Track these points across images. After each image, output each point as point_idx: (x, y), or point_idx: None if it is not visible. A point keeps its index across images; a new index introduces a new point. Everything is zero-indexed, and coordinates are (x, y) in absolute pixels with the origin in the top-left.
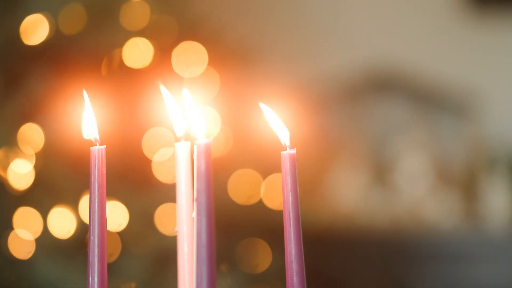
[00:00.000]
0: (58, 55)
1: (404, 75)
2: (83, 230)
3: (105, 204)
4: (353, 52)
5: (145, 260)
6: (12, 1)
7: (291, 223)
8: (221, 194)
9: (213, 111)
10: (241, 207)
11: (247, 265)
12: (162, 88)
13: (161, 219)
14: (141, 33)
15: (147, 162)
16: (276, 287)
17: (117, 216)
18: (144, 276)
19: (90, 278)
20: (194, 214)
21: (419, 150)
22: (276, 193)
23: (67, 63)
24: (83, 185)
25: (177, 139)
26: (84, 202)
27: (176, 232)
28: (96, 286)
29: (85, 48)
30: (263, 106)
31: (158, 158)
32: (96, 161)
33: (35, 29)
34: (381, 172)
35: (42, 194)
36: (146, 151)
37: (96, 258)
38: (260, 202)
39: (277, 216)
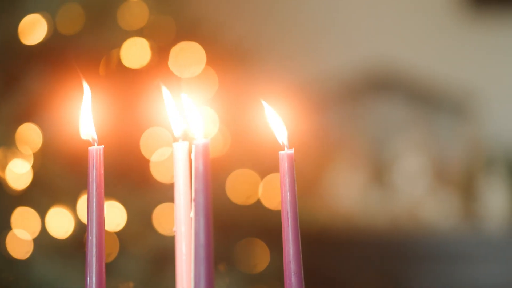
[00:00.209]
0: (56, 55)
1: (402, 75)
2: (81, 230)
3: (103, 204)
4: (352, 52)
5: (143, 260)
6: (10, 1)
7: (289, 223)
8: (219, 194)
9: (211, 111)
10: (239, 207)
11: (245, 265)
12: (163, 87)
13: (159, 219)
14: (139, 33)
15: (145, 162)
16: (274, 287)
17: (115, 216)
18: (142, 276)
19: (88, 278)
20: (192, 214)
21: (418, 150)
22: (274, 193)
23: (65, 63)
24: (81, 185)
25: (175, 139)
26: (82, 202)
27: (174, 232)
28: (94, 286)
29: (83, 48)
30: (265, 103)
31: (156, 158)
32: (94, 161)
33: (33, 29)
34: (379, 172)
35: (40, 194)
36: (144, 151)
37: (94, 258)
38: (258, 202)
39: (275, 216)
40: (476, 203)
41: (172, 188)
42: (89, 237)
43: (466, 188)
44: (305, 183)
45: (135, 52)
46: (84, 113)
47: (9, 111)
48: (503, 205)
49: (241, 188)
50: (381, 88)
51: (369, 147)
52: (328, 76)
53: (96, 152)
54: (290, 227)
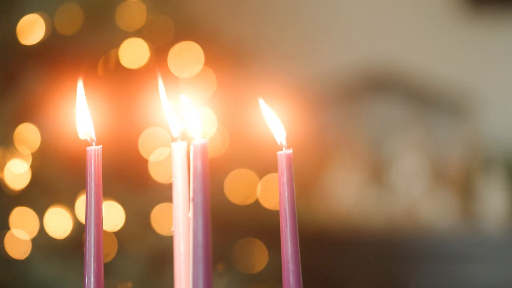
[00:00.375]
0: (54, 55)
1: (401, 75)
2: (79, 230)
3: (102, 204)
4: (350, 52)
5: (141, 260)
6: (8, 1)
7: (288, 223)
8: (218, 194)
9: (209, 111)
10: (237, 207)
11: (243, 265)
12: (161, 86)
13: (158, 219)
14: (137, 33)
15: (144, 162)
16: (273, 287)
17: (114, 216)
18: (141, 276)
19: (86, 278)
20: (190, 214)
21: (415, 150)
22: (273, 193)
23: (63, 63)
24: (80, 185)
25: (174, 139)
26: (80, 202)
27: (173, 232)
28: (92, 286)
29: (82, 48)
30: (262, 103)
31: (154, 158)
32: (93, 161)
33: (31, 29)
34: (377, 172)
35: (39, 194)
36: (143, 151)
37: (92, 258)
38: (257, 202)
39: (273, 216)
40: (474, 203)
41: (171, 188)
42: (88, 237)
43: (464, 188)
44: (303, 183)
45: (133, 52)
46: (80, 113)
47: (8, 111)
48: (501, 205)
49: (240, 188)
50: (379, 88)
51: (367, 147)
52: (326, 76)
53: (94, 152)
54: (288, 227)
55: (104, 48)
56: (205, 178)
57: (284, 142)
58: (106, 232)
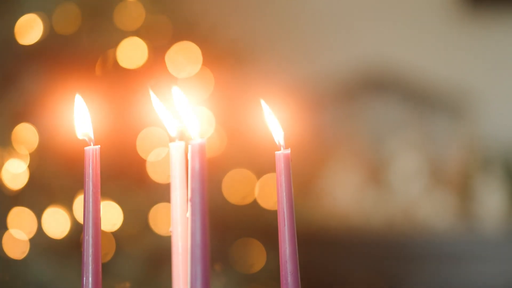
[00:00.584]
0: (52, 55)
1: (398, 75)
2: (77, 230)
3: (99, 204)
4: (348, 52)
5: (139, 260)
6: (6, 1)
7: (286, 223)
8: (216, 194)
9: (207, 111)
10: (235, 207)
11: (241, 265)
12: (151, 92)
13: (156, 219)
14: (135, 33)
15: (142, 162)
16: (271, 287)
17: (112, 216)
18: (139, 276)
19: (84, 278)
20: (188, 214)
21: (414, 150)
22: (271, 193)
23: (61, 63)
24: (77, 185)
25: (172, 139)
26: (78, 202)
27: (171, 232)
28: (90, 286)
29: (80, 48)
30: (263, 103)
31: (152, 158)
32: (90, 161)
33: (29, 29)
34: (375, 171)
35: (36, 194)
36: (141, 151)
37: (90, 258)
38: (255, 202)
39: (271, 216)
40: (472, 203)
41: (169, 188)
42: (86, 237)
43: (462, 188)
44: (301, 183)
45: (131, 52)
46: (78, 113)
47: (6, 111)
48: (499, 205)
49: (238, 188)
50: (378, 88)
51: (366, 147)
52: (325, 76)
53: (92, 152)
54: (286, 227)
55: (102, 48)
56: (203, 178)
57: (282, 142)
58: (104, 232)
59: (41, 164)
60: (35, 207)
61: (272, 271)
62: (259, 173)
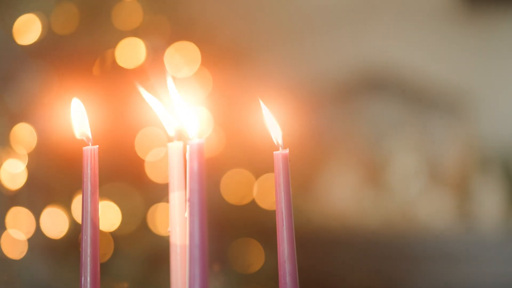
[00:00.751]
0: (50, 55)
1: (397, 75)
2: (75, 230)
3: (98, 204)
4: (347, 52)
5: (138, 260)
6: (4, 0)
7: (284, 223)
8: (214, 194)
9: (205, 111)
10: (233, 207)
11: (239, 265)
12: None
13: (154, 219)
14: (133, 33)
15: (140, 162)
16: (269, 287)
17: (110, 216)
18: (137, 276)
19: (82, 278)
20: (186, 214)
21: (412, 150)
22: (269, 193)
23: (59, 63)
24: (76, 185)
25: (170, 139)
26: (76, 202)
27: (169, 232)
28: (88, 286)
29: (78, 48)
30: (261, 103)
31: (150, 158)
32: (89, 161)
33: (27, 29)
34: (374, 172)
35: (35, 194)
36: (139, 151)
37: (88, 258)
38: (253, 202)
39: (269, 216)
40: (471, 203)
41: (167, 188)
42: (84, 237)
43: (461, 187)
44: (299, 183)
45: (129, 52)
46: (76, 113)
47: (4, 111)
48: (497, 205)
49: (236, 188)
50: (376, 88)
51: (364, 147)
52: (323, 76)
53: (90, 152)
54: (284, 227)
55: (100, 47)
56: (202, 178)
57: (280, 142)
58: (102, 232)
59: (39, 164)
60: (34, 207)
61: (271, 271)
62: (257, 173)
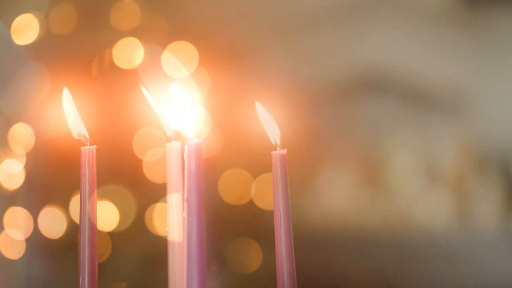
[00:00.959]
0: (48, 55)
1: (394, 75)
2: (73, 230)
3: (96, 204)
4: (345, 52)
5: (135, 260)
6: (2, 0)
7: (282, 223)
8: (212, 194)
9: (203, 111)
10: (231, 207)
11: (237, 265)
12: (145, 91)
13: (152, 219)
14: (131, 33)
15: (138, 162)
16: (267, 287)
17: (108, 216)
18: (135, 275)
19: (80, 278)
20: (184, 214)
21: (410, 150)
22: (267, 193)
23: (57, 63)
24: (74, 185)
25: (168, 139)
26: (74, 202)
27: (167, 232)
28: (86, 285)
29: (76, 48)
30: (258, 105)
31: (148, 158)
32: (87, 161)
33: (25, 29)
34: (371, 172)
35: (33, 194)
36: (137, 151)
37: (86, 258)
38: (251, 202)
39: (267, 216)
40: (469, 203)
41: (165, 188)
42: (82, 237)
43: (459, 188)
44: (297, 183)
45: (127, 52)
46: (70, 113)
47: (2, 111)
48: (495, 205)
49: (234, 188)
50: (373, 89)
51: (362, 147)
52: (321, 76)
53: (88, 152)
54: (282, 227)
55: (98, 48)
56: (199, 178)
57: (278, 142)
58: (100, 232)
59: (37, 164)
60: (32, 207)
61: (269, 271)
62: (255, 173)
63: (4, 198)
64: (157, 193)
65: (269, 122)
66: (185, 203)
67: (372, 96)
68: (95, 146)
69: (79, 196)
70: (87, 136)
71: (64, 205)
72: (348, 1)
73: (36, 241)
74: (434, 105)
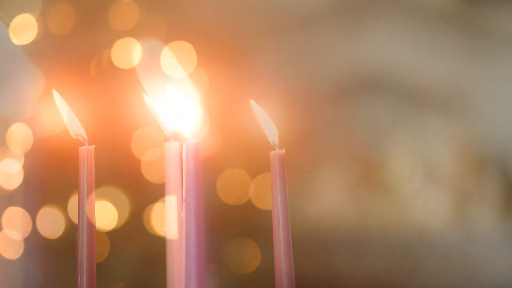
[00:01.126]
0: (46, 55)
1: (392, 75)
2: (72, 230)
3: (94, 204)
4: (342, 51)
5: (134, 260)
6: (1, 0)
7: (280, 223)
8: (210, 194)
9: (202, 111)
10: (230, 207)
11: (236, 265)
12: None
13: (150, 219)
14: (130, 33)
15: (136, 162)
16: (265, 287)
17: (106, 216)
18: (133, 276)
19: (79, 278)
20: (183, 214)
21: (408, 150)
22: (265, 193)
23: (55, 63)
24: (72, 185)
25: (166, 139)
26: (73, 202)
27: (165, 232)
28: (85, 286)
29: (74, 48)
30: (253, 104)
31: (147, 158)
32: (85, 161)
33: (23, 29)
34: (370, 172)
35: (31, 194)
36: (135, 151)
37: (85, 258)
38: (249, 202)
39: (266, 216)
40: (467, 203)
41: (163, 188)
42: (80, 237)
43: (457, 188)
44: (296, 183)
45: (126, 52)
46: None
47: (0, 111)
48: (494, 205)
49: (232, 188)
50: (371, 88)
51: (360, 147)
52: (319, 76)
53: (87, 152)
54: (281, 227)
55: (96, 47)
56: (198, 178)
57: (276, 142)
58: (98, 232)
59: (35, 164)
60: (30, 207)
61: (267, 271)
62: (254, 173)
63: (2, 198)
64: (156, 193)
65: (266, 121)
66: (184, 203)
67: (370, 96)
68: (94, 146)
69: (77, 196)
70: (85, 136)
71: (63, 205)
72: (346, 0)
73: (34, 241)
74: (432, 105)
